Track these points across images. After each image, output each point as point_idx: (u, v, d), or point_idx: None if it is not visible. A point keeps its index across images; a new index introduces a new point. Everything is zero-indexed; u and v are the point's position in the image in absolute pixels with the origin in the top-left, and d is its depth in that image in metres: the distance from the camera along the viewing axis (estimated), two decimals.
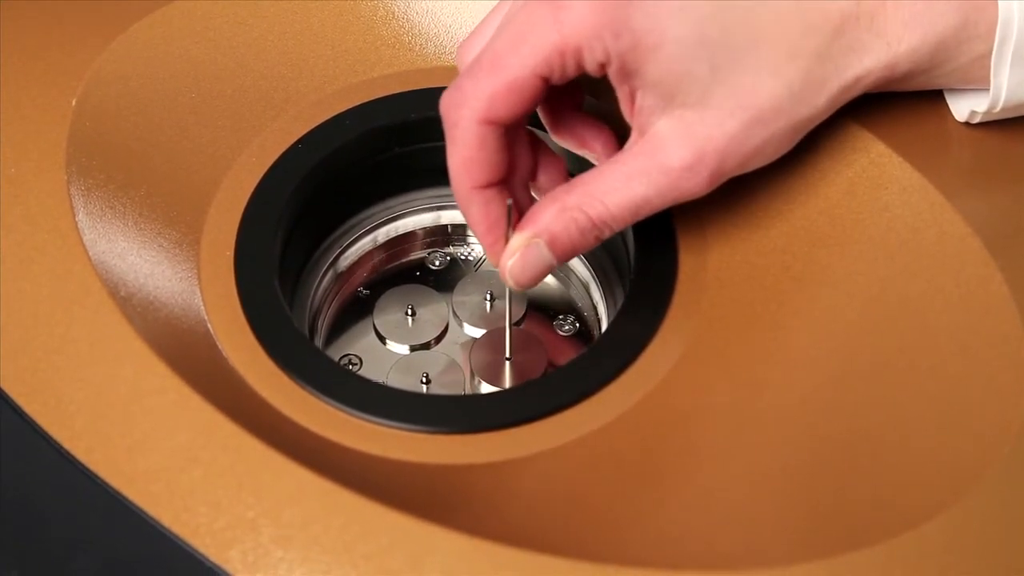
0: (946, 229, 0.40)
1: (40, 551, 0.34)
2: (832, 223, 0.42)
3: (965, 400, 0.37)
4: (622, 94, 0.39)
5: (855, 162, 0.42)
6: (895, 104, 0.43)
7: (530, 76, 0.37)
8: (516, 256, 0.39)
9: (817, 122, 0.40)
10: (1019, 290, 0.38)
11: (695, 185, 0.38)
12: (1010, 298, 0.38)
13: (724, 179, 0.39)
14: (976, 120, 0.42)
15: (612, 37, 0.36)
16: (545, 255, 0.39)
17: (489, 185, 0.39)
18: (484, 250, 0.40)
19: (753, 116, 0.38)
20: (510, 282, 0.40)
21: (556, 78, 0.37)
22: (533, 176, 0.42)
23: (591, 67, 0.37)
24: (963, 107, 0.42)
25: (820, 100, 0.39)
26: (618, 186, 0.39)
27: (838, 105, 0.40)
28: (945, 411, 0.37)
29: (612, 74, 0.38)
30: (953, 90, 0.42)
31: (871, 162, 0.42)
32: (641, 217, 0.39)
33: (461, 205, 0.39)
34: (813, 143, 0.42)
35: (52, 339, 0.37)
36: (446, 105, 0.38)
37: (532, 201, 0.41)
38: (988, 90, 0.40)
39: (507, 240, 0.42)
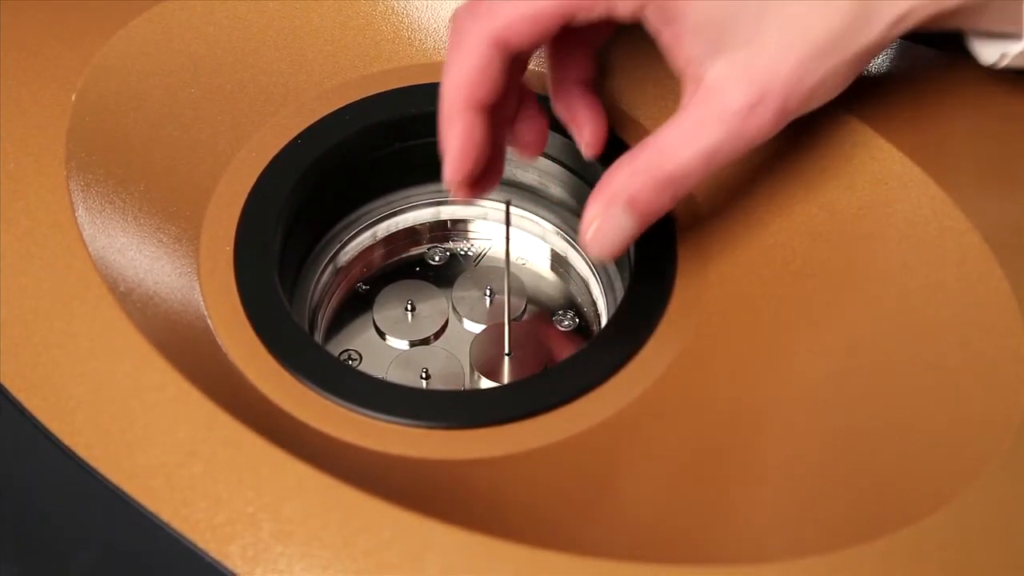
0: (946, 224, 0.40)
1: (40, 547, 0.34)
2: (832, 218, 0.42)
3: (966, 394, 0.37)
4: (664, 43, 0.38)
5: (855, 157, 0.42)
6: (895, 99, 0.43)
7: (555, 11, 0.36)
8: (595, 224, 0.39)
9: (873, 55, 0.39)
10: (1019, 285, 0.38)
11: (762, 125, 0.38)
12: (1010, 292, 0.38)
13: (790, 118, 0.38)
14: (1003, 64, 0.41)
15: None
16: (624, 221, 0.38)
17: (481, 108, 0.38)
18: (445, 173, 0.39)
19: (810, 49, 0.37)
20: (593, 252, 0.39)
21: (580, 19, 0.37)
22: (512, 124, 0.41)
23: (624, 11, 0.37)
24: (993, 51, 0.41)
25: (873, 32, 0.38)
26: (686, 138, 0.38)
27: (891, 38, 0.39)
28: (946, 405, 0.37)
29: (649, 19, 0.37)
30: (980, 35, 0.41)
31: (871, 157, 0.42)
32: (714, 168, 0.38)
33: (444, 122, 0.38)
34: (813, 138, 0.42)
35: (52, 334, 0.37)
36: (460, 15, 0.38)
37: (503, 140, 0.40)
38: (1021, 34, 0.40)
39: (508, 246, 0.42)
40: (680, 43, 0.37)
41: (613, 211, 0.38)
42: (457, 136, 0.38)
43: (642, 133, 0.45)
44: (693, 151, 0.38)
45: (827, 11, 0.37)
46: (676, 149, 0.38)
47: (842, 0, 0.37)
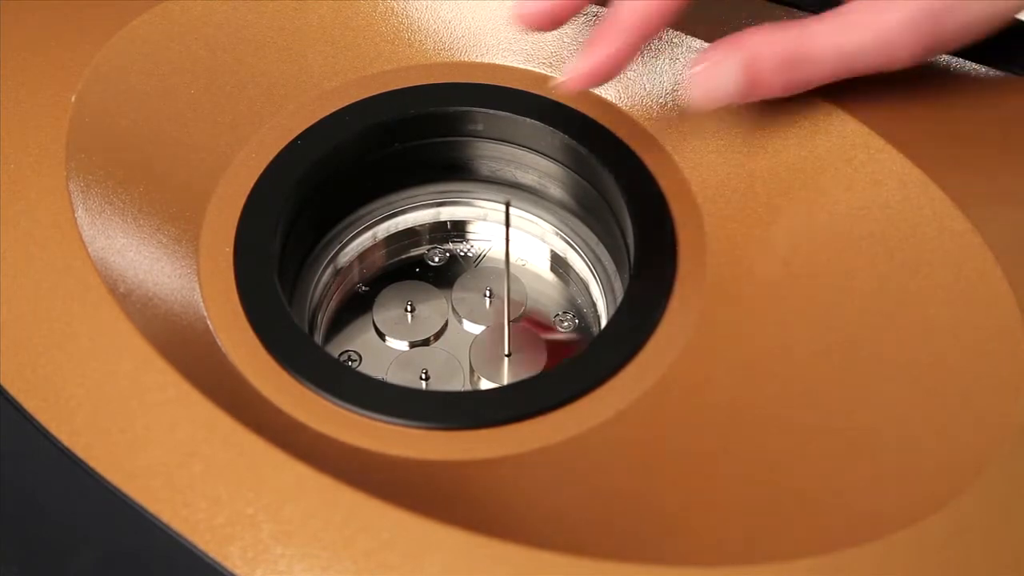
0: (946, 224, 0.40)
1: (39, 547, 0.34)
2: (832, 219, 0.42)
3: (965, 395, 0.37)
4: None
5: (854, 158, 0.42)
6: (894, 99, 0.43)
7: None
8: (705, 64, 0.39)
9: (1003, 25, 0.40)
10: (1019, 285, 0.38)
11: (909, 49, 0.38)
12: (1010, 293, 0.38)
13: (933, 53, 0.39)
14: None
15: None
16: (732, 76, 0.39)
17: None
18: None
19: None
20: (690, 90, 0.39)
21: None
22: None
23: None
24: None
25: None
26: (834, 31, 0.38)
27: None
28: (945, 406, 0.37)
29: None
30: None
31: (870, 158, 0.42)
32: (844, 73, 0.39)
33: None
34: (812, 139, 0.42)
35: (51, 335, 0.37)
36: None
37: None
38: None
39: (507, 247, 0.42)
40: None
41: (729, 61, 0.39)
42: (616, 55, 0.39)
43: (639, 133, 0.45)
44: (834, 43, 0.38)
45: None
46: (819, 37, 0.38)
47: None
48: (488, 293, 0.48)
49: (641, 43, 0.39)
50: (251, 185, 0.44)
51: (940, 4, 0.38)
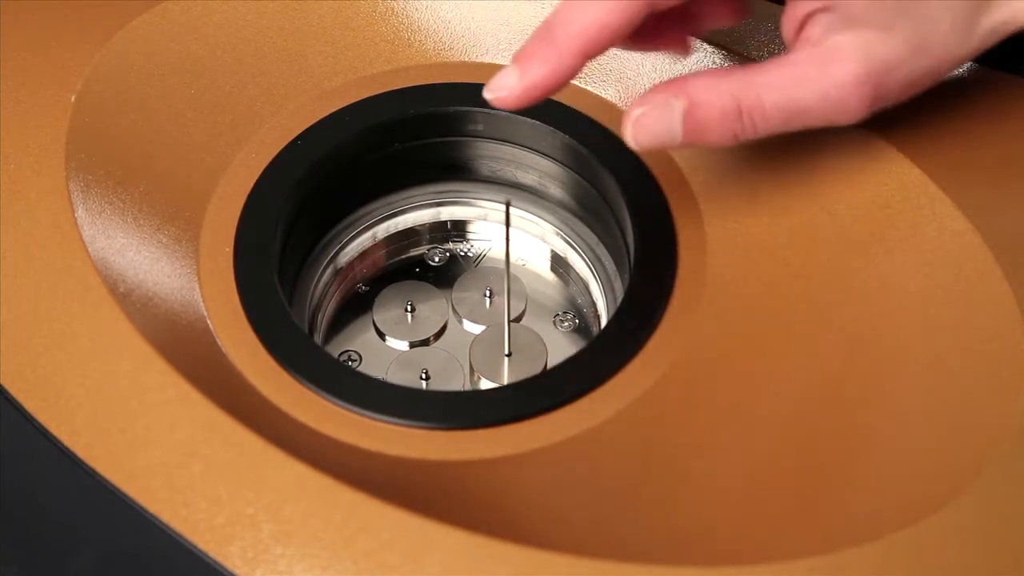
0: (946, 224, 0.40)
1: (40, 547, 0.34)
2: (831, 219, 0.42)
3: (965, 395, 0.37)
4: (795, 12, 0.38)
5: (854, 158, 0.42)
6: None
7: None
8: (645, 108, 0.38)
9: (963, 62, 0.40)
10: (1019, 285, 0.38)
11: (856, 106, 0.38)
12: (1010, 293, 0.38)
13: (878, 108, 0.39)
14: None
15: None
16: (674, 122, 0.38)
17: (595, 55, 0.37)
18: (505, 81, 0.38)
19: (921, 45, 0.38)
20: (626, 132, 0.38)
21: None
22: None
23: None
24: None
25: (974, 38, 0.39)
26: (781, 84, 0.38)
27: (985, 47, 0.40)
28: (945, 407, 0.37)
29: None
30: None
31: (870, 158, 0.42)
32: (789, 128, 0.38)
33: (546, 44, 0.37)
34: (812, 139, 0.42)
35: (51, 335, 0.37)
36: None
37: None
38: None
39: (508, 247, 0.42)
40: (812, 16, 0.38)
41: (671, 105, 0.38)
42: (550, 74, 0.37)
43: None
44: (780, 99, 0.38)
45: (945, 13, 0.38)
46: (765, 89, 0.38)
47: (958, 4, 0.38)
48: (488, 293, 0.48)
49: (580, 65, 0.37)
50: (251, 185, 0.44)
51: (882, 64, 0.38)
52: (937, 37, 0.38)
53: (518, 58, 0.38)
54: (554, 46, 0.37)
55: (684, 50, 0.42)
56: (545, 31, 0.37)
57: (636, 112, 0.38)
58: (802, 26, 0.39)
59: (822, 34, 0.38)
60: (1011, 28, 0.40)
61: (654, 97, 0.38)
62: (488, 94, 0.38)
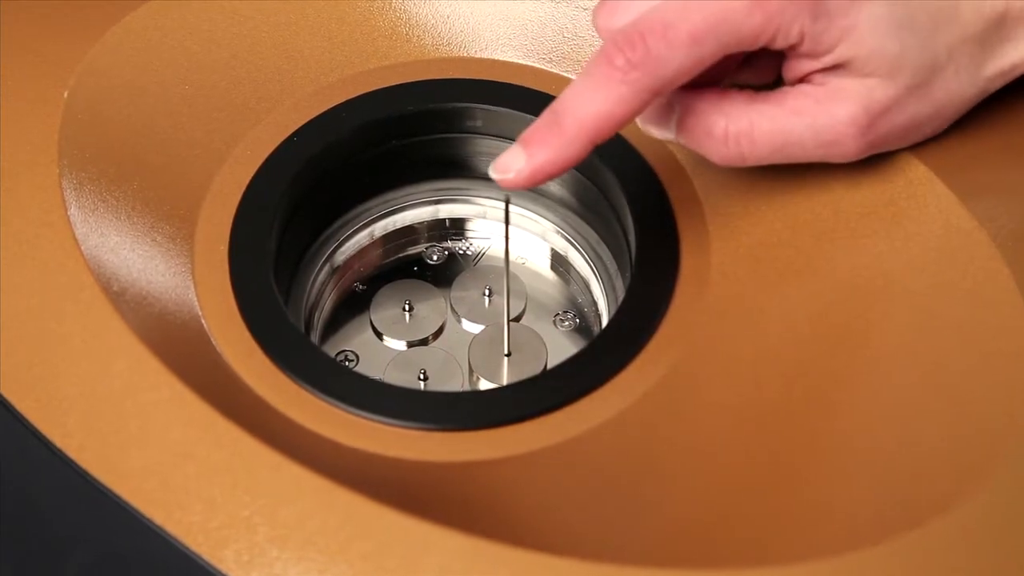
0: (952, 223, 0.40)
1: (32, 549, 0.34)
2: (836, 216, 0.42)
3: (972, 395, 0.37)
4: (797, 66, 0.39)
5: None
6: None
7: (719, 54, 0.37)
8: (654, 127, 0.40)
9: (969, 106, 0.41)
10: None
11: (851, 145, 0.39)
12: (1017, 292, 0.38)
13: (878, 150, 0.40)
14: None
15: (810, 20, 0.37)
16: (671, 121, 0.40)
17: (603, 141, 0.38)
18: (512, 164, 0.39)
19: (921, 89, 0.39)
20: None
21: (734, 51, 0.38)
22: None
23: (780, 45, 0.38)
24: None
25: (979, 82, 0.40)
26: (774, 113, 0.39)
27: (990, 90, 0.41)
28: (951, 406, 0.37)
29: (799, 52, 0.38)
30: None
31: (876, 155, 0.42)
32: (781, 160, 0.40)
33: (554, 134, 0.38)
34: None
35: (44, 335, 0.37)
36: (621, 45, 0.37)
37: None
38: None
39: (507, 245, 0.42)
40: (813, 68, 0.39)
41: (672, 105, 0.40)
42: (558, 160, 0.38)
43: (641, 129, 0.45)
44: (772, 128, 0.39)
45: (948, 62, 0.39)
46: (758, 116, 0.39)
47: (961, 52, 0.39)
48: (487, 292, 0.48)
49: (587, 151, 0.38)
50: (246, 182, 0.44)
51: (880, 105, 0.39)
52: (939, 83, 0.39)
53: (525, 142, 0.39)
54: (560, 134, 0.38)
55: None
56: (551, 117, 0.38)
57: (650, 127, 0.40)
58: (803, 79, 0.40)
59: (826, 79, 0.39)
60: (1019, 72, 0.41)
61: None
62: (494, 174, 0.39)
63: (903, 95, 0.39)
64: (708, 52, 0.37)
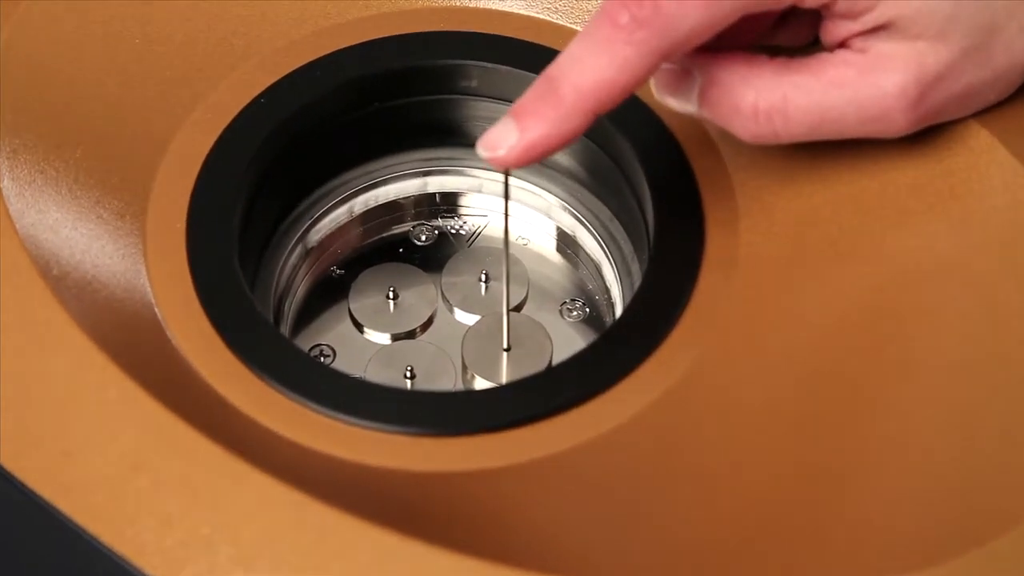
0: (1020, 197, 0.40)
1: None
2: (884, 189, 0.42)
3: None
4: (834, 28, 0.39)
5: None
6: None
7: (739, 12, 0.37)
8: (672, 66, 0.40)
9: (1010, 90, 0.41)
10: None
11: (900, 120, 0.39)
12: None
13: (930, 123, 0.40)
14: None
15: None
16: (691, 93, 0.40)
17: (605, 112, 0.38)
18: (505, 139, 0.39)
19: (979, 53, 0.39)
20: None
21: (756, 11, 0.38)
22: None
23: (811, 3, 0.38)
24: None
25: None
26: (812, 85, 0.39)
27: None
28: (1017, 407, 0.37)
29: (835, 11, 0.39)
30: None
31: None
32: (820, 137, 0.40)
33: (554, 107, 0.38)
34: None
35: None
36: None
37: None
38: None
39: (507, 223, 0.42)
40: (855, 30, 0.39)
41: (693, 77, 0.40)
42: (554, 135, 0.38)
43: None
44: (809, 103, 0.39)
45: (1003, 21, 0.39)
46: (793, 90, 0.39)
47: (1013, 23, 0.39)
48: (484, 277, 0.48)
49: (588, 124, 0.38)
50: (207, 150, 0.44)
51: (933, 74, 0.39)
52: (999, 44, 0.39)
53: (517, 113, 0.38)
54: (557, 105, 0.38)
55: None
56: (546, 85, 0.38)
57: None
58: (843, 43, 0.40)
59: (868, 43, 0.39)
60: None
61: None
62: (483, 152, 0.39)
63: (958, 59, 0.39)
64: (726, 10, 0.37)
